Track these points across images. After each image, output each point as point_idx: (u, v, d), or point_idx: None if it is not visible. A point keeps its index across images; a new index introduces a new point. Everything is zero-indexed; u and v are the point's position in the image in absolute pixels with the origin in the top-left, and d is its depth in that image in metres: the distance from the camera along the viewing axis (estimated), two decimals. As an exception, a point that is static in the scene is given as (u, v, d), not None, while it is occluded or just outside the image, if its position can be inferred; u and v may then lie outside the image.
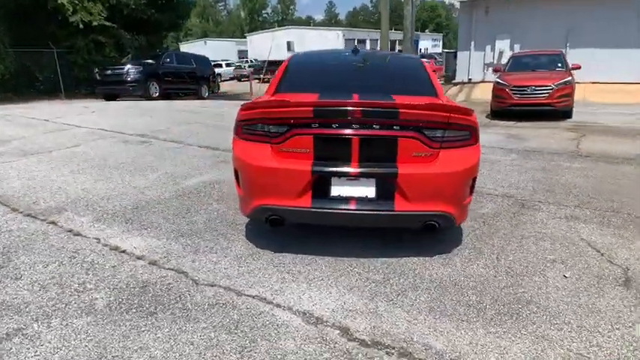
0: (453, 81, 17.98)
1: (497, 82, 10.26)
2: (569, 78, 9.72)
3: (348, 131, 2.69)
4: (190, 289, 2.60)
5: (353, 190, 2.73)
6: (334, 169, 2.72)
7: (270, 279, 2.71)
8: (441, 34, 71.91)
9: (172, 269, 2.84)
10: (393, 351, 2.05)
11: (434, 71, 4.36)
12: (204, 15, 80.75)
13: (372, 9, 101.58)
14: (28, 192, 4.32)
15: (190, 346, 2.09)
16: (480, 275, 2.75)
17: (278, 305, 2.43)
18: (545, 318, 2.30)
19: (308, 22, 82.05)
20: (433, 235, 3.22)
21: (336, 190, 2.74)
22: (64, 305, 2.42)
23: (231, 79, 36.46)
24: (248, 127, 2.90)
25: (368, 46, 56.85)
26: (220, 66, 34.59)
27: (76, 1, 14.01)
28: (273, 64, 35.44)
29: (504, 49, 16.33)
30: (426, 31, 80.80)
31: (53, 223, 3.61)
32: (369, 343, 2.11)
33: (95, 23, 14.62)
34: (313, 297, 2.51)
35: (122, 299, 2.49)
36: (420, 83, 3.49)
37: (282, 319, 2.30)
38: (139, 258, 3.00)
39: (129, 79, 13.44)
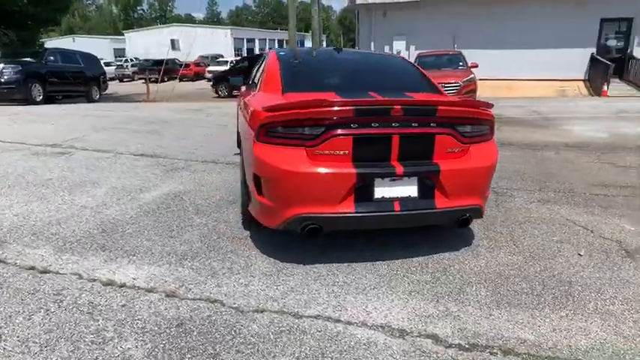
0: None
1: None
2: (472, 75, 10.79)
3: (388, 130, 2.58)
4: (240, 320, 2.25)
5: (396, 190, 2.63)
6: (378, 170, 2.58)
7: (320, 295, 2.48)
8: (324, 35, 74.63)
9: (201, 299, 2.44)
10: (495, 350, 2.01)
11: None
12: (70, 9, 72.29)
13: (255, 9, 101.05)
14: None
15: (287, 385, 1.80)
16: (512, 263, 2.86)
17: (349, 322, 2.23)
18: (594, 295, 2.47)
19: (188, 21, 78.40)
20: (442, 229, 3.28)
21: (380, 192, 2.61)
22: (92, 365, 1.91)
23: (111, 79, 33.23)
24: (275, 130, 2.61)
25: (257, 46, 56.47)
26: (98, 65, 31.31)
27: None
28: (160, 64, 33.23)
29: (401, 49, 17.50)
30: (310, 31, 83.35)
31: (1, 261, 2.85)
32: (466, 346, 2.04)
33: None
34: (379, 308, 2.35)
35: (164, 345, 2.05)
36: (419, 80, 3.51)
37: (364, 337, 2.11)
38: (149, 291, 2.52)
39: (3, 80, 11.35)
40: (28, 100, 11.71)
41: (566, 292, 2.50)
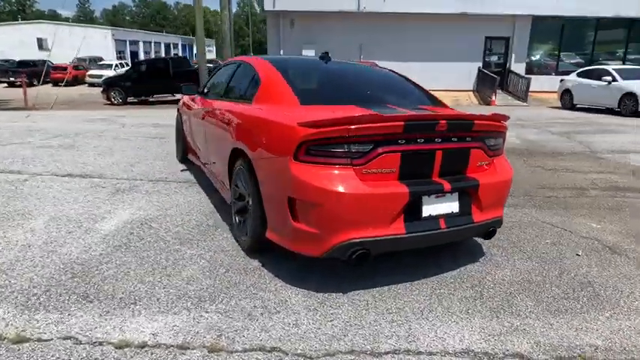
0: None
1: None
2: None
3: (432, 146, 2.49)
4: (315, 368, 1.95)
5: (441, 207, 2.55)
6: (427, 187, 2.48)
7: (382, 326, 2.28)
8: (213, 40, 72.38)
9: (253, 349, 2.07)
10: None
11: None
12: None
13: (134, 9, 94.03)
14: None
15: None
16: (531, 269, 2.97)
17: (432, 353, 2.07)
18: (616, 293, 2.67)
19: (53, 18, 69.68)
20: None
21: (427, 210, 2.51)
22: None
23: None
24: (319, 148, 2.34)
25: (142, 49, 52.44)
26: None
27: None
28: (25, 65, 28.89)
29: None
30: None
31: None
32: (556, 361, 2.04)
33: None
34: (449, 332, 2.24)
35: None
36: (422, 93, 3.49)
37: (458, 367, 1.98)
38: (184, 348, 2.06)
39: None
40: None
41: (595, 293, 2.67)
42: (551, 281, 2.81)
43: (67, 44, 31.96)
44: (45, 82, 24.46)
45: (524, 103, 15.52)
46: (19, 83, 19.12)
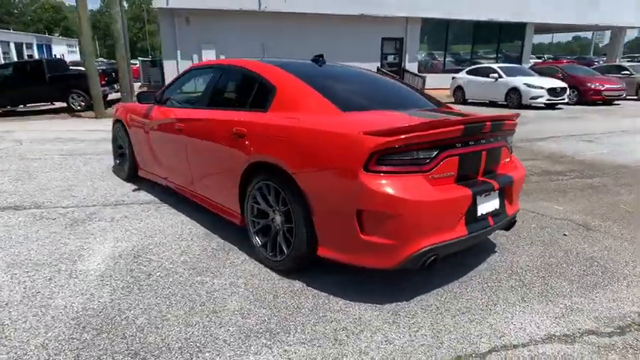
0: (164, 91, 17.18)
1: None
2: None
3: (479, 147, 2.60)
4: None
5: (489, 205, 2.68)
6: (483, 187, 2.58)
7: (465, 326, 2.31)
8: (76, 40, 64.95)
9: None
10: (637, 326, 2.32)
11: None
12: None
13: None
14: None
15: None
16: (541, 253, 3.26)
17: (525, 344, 2.17)
18: (616, 265, 3.07)
19: None
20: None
21: (480, 210, 2.60)
22: None
23: None
24: (390, 157, 2.28)
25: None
26: None
27: None
28: None
29: (211, 58, 16.97)
30: (57, 35, 70.95)
31: None
32: (619, 331, 2.27)
33: None
34: (524, 322, 2.36)
35: None
36: (421, 95, 3.58)
37: (555, 351, 2.10)
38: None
39: None
40: None
41: (603, 267, 3.05)
42: (564, 261, 3.13)
43: None
44: None
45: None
46: None
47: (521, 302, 2.57)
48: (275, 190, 2.80)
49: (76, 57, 55.16)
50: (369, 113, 2.75)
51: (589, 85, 14.05)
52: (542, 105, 13.18)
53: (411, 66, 19.05)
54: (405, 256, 2.34)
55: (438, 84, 17.89)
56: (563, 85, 13.31)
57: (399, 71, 18.14)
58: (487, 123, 2.58)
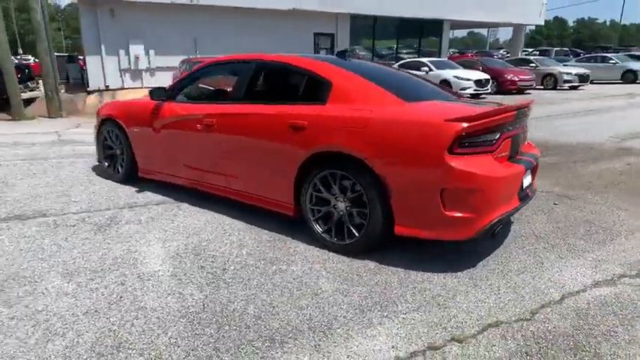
0: (89, 89, 15.86)
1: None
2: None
3: (518, 130, 3.03)
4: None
5: (527, 179, 3.11)
6: (527, 164, 3.02)
7: (531, 283, 2.72)
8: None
9: (484, 328, 2.25)
10: (656, 270, 2.91)
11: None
12: None
13: None
14: None
15: None
16: (548, 220, 3.81)
17: (581, 291, 2.62)
18: (612, 224, 3.70)
19: None
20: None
21: (524, 183, 3.03)
22: None
23: None
24: (469, 140, 2.60)
25: None
26: None
27: None
28: None
29: (140, 54, 16.02)
30: None
31: None
32: (645, 274, 2.85)
33: None
34: (571, 274, 2.83)
35: None
36: (437, 87, 3.92)
37: (608, 293, 2.58)
38: (433, 348, 2.09)
39: None
40: None
41: (602, 227, 3.65)
42: (569, 225, 3.71)
43: None
44: None
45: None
46: None
47: (560, 259, 3.05)
48: (342, 177, 2.98)
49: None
50: (427, 104, 3.04)
51: (506, 76, 15.76)
52: (469, 95, 14.51)
53: (343, 60, 19.71)
54: (482, 226, 2.68)
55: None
56: (487, 76, 14.78)
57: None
58: (525, 108, 3.01)
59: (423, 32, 22.12)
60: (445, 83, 14.37)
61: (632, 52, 22.55)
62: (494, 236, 2.84)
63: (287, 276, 2.80)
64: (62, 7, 73.40)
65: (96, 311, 2.39)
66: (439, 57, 21.08)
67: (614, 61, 19.44)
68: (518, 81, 15.76)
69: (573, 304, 2.49)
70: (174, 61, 16.21)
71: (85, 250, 3.14)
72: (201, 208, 4.04)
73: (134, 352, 2.07)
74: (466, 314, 2.38)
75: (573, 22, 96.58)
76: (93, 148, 5.28)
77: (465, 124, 2.57)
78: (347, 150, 2.89)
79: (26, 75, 13.69)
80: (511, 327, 2.27)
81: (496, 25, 28.75)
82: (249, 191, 3.61)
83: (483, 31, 63.94)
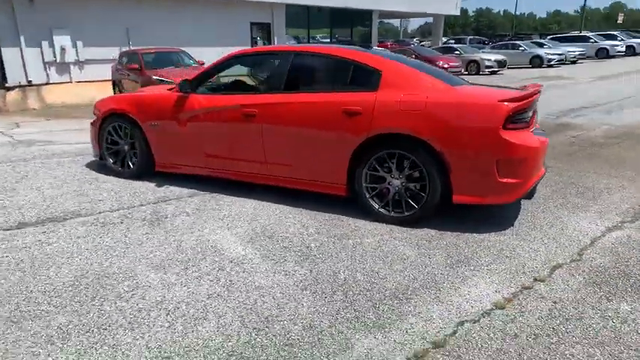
0: (7, 84, 14.23)
1: (160, 80, 10.12)
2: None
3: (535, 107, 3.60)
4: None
5: (544, 150, 3.70)
6: (545, 137, 3.57)
7: (562, 231, 3.30)
8: None
9: (552, 267, 2.75)
10: (643, 215, 3.65)
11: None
12: None
13: None
14: None
15: None
16: (550, 185, 4.48)
17: (601, 236, 3.26)
18: (602, 186, 4.48)
19: None
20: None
21: (545, 153, 3.61)
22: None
23: None
24: (515, 118, 3.08)
25: None
26: None
27: None
28: None
29: (66, 45, 14.72)
30: None
31: None
32: None
33: None
34: (591, 224, 3.46)
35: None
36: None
37: (623, 234, 3.24)
38: (529, 287, 2.55)
39: None
40: None
41: (587, 187, 4.37)
42: (561, 187, 4.40)
43: None
44: None
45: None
46: None
47: (572, 214, 3.69)
48: (399, 156, 3.32)
49: None
50: (468, 88, 3.48)
51: (437, 63, 16.97)
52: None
53: (280, 50, 19.79)
54: (526, 189, 3.20)
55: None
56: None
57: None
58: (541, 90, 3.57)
59: (354, 22, 22.86)
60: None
61: (537, 40, 25.37)
62: (530, 198, 3.38)
63: (367, 247, 3.09)
64: None
65: (218, 295, 2.50)
66: (369, 46, 22.03)
67: (522, 48, 21.83)
68: (449, 67, 17.07)
69: (602, 245, 3.11)
70: (106, 53, 15.24)
71: (155, 244, 3.15)
72: (237, 197, 4.13)
73: (285, 322, 2.25)
74: (532, 261, 2.88)
75: (473, 12, 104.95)
76: (68, 147, 5.06)
77: (514, 104, 3.05)
78: (408, 131, 3.23)
79: None
80: (571, 266, 2.81)
81: (418, 15, 30.51)
82: (297, 176, 3.80)
83: (394, 22, 67.12)
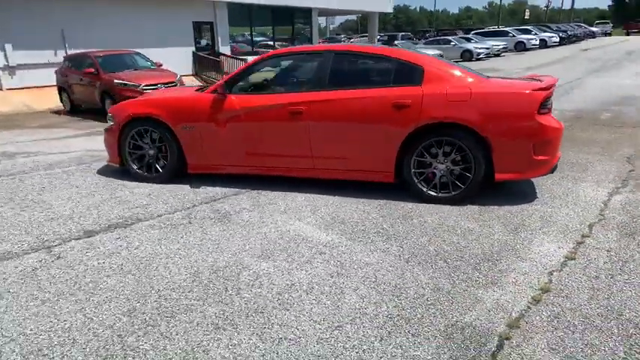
0: None
1: (123, 84, 9.70)
2: (178, 75, 10.94)
3: (549, 96, 4.24)
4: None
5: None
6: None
7: (567, 196, 3.95)
8: None
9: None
10: None
11: None
12: None
13: None
14: None
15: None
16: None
17: (609, 200, 3.96)
18: (588, 162, 5.27)
19: None
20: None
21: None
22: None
23: None
24: (544, 104, 3.67)
25: None
26: None
27: None
28: None
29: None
30: None
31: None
32: None
33: None
34: (598, 193, 4.16)
35: None
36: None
37: (628, 196, 3.96)
38: (569, 258, 3.12)
39: None
40: None
41: (575, 163, 5.16)
42: (565, 165, 5.12)
43: None
44: None
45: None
46: None
47: (576, 184, 4.39)
48: (446, 143, 3.76)
49: None
50: (498, 80, 4.01)
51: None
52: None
53: (225, 49, 19.47)
54: (552, 165, 3.81)
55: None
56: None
57: (215, 54, 18.34)
58: (551, 85, 4.22)
59: (294, 19, 23.16)
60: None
61: (464, 36, 27.45)
62: (553, 172, 3.99)
63: (432, 224, 3.50)
64: None
65: (338, 274, 2.78)
66: (310, 43, 22.49)
67: (454, 43, 23.61)
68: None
69: (613, 206, 3.80)
70: (41, 57, 14.20)
71: (240, 238, 3.30)
72: (282, 192, 4.33)
73: (414, 287, 2.59)
74: (571, 222, 3.47)
75: (393, 8, 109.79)
76: (60, 157, 4.88)
77: (545, 93, 3.63)
78: (455, 120, 3.69)
79: None
80: (601, 224, 3.44)
81: (355, 12, 31.54)
82: (347, 167, 4.10)
83: (320, 20, 68.40)
